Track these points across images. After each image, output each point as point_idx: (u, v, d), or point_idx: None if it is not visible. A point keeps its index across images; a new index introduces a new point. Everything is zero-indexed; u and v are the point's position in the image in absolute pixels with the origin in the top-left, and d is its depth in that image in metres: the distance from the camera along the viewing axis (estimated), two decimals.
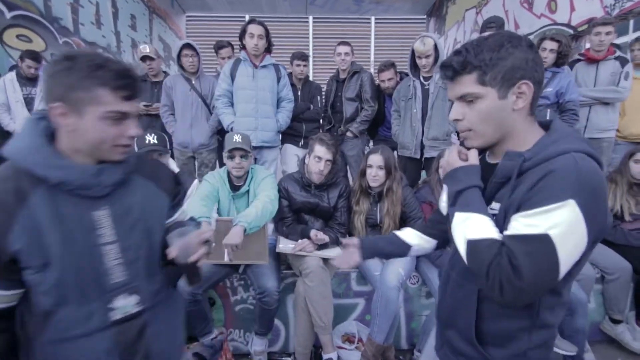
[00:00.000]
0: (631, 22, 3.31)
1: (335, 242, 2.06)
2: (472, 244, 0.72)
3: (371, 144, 3.39)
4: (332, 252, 1.98)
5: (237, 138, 1.90)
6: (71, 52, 0.74)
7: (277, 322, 2.07)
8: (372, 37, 7.79)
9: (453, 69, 0.73)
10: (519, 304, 0.71)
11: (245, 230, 1.66)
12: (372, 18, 7.64)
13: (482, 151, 0.87)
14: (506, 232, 0.70)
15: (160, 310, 0.92)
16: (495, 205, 0.76)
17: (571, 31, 3.56)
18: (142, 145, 1.86)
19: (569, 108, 2.57)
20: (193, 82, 2.81)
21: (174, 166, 2.06)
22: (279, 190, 2.06)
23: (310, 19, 7.64)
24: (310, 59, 7.72)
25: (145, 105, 2.95)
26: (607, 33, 2.57)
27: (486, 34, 0.75)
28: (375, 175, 1.95)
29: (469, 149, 0.82)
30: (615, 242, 2.17)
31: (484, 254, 0.69)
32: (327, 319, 1.82)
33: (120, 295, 0.83)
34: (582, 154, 0.67)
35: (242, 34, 2.57)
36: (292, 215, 2.12)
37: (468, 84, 0.73)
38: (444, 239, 1.07)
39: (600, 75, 2.67)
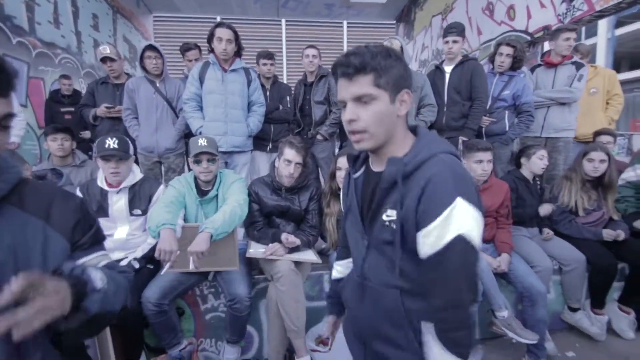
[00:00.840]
0: (583, 29, 3.56)
1: (307, 245, 2.06)
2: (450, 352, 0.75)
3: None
4: (304, 255, 1.97)
5: (202, 142, 1.85)
6: None
7: (250, 328, 2.03)
8: (344, 41, 7.89)
9: (354, 66, 0.75)
10: (474, 287, 0.78)
11: (211, 236, 1.61)
12: (344, 22, 7.74)
13: (364, 161, 0.93)
14: (425, 251, 0.74)
15: None
16: (392, 212, 0.79)
17: (528, 37, 3.77)
18: (102, 149, 1.77)
19: (525, 110, 2.73)
20: (157, 84, 2.72)
21: (137, 172, 1.97)
22: (250, 195, 2.03)
23: (283, 21, 7.63)
24: (284, 62, 7.77)
25: (107, 107, 2.82)
26: (573, 38, 2.76)
27: (370, 44, 0.78)
28: (344, 177, 1.96)
29: (355, 159, 0.93)
30: (571, 236, 2.31)
31: (462, 337, 0.75)
32: (300, 323, 1.80)
33: None
34: (447, 154, 0.77)
35: (210, 37, 2.50)
36: (263, 219, 2.09)
37: (365, 84, 0.75)
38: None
39: (557, 79, 2.85)
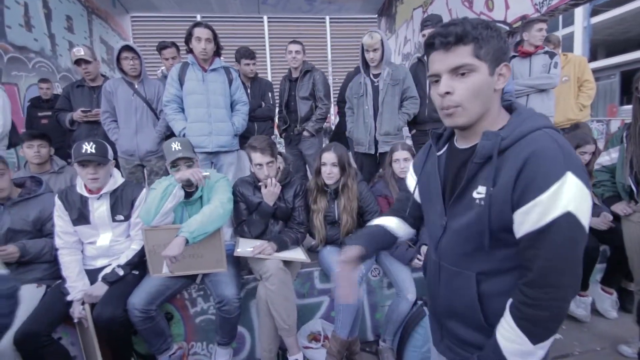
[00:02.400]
0: (560, 18, 3.63)
1: (296, 243, 2.05)
2: (526, 336, 0.71)
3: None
4: (293, 254, 1.96)
5: (176, 146, 1.79)
6: None
7: (241, 329, 2.02)
8: (327, 36, 7.86)
9: (455, 35, 0.72)
10: (579, 274, 0.71)
11: (187, 241, 1.57)
12: (327, 18, 7.72)
13: (448, 139, 0.90)
14: (524, 229, 0.70)
15: None
16: (482, 189, 0.75)
17: (507, 27, 3.82)
18: (78, 155, 1.70)
19: (506, 99, 2.77)
20: (136, 86, 2.65)
21: (118, 177, 1.92)
22: (235, 195, 2.00)
23: (265, 18, 7.56)
24: (268, 59, 7.69)
25: (83, 111, 2.74)
26: (545, 29, 2.87)
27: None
28: (329, 173, 1.95)
29: (439, 137, 0.90)
30: None
31: (536, 317, 0.70)
32: (291, 321, 1.80)
33: None
34: (550, 129, 0.72)
35: (188, 38, 2.45)
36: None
37: (464, 54, 0.73)
38: (419, 226, 1.10)
39: (533, 67, 2.93)
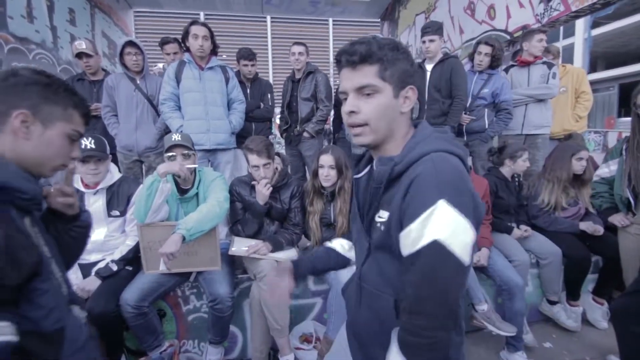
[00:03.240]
0: (561, 29, 3.67)
1: (291, 244, 2.05)
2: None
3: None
4: (287, 255, 1.96)
5: (175, 137, 1.81)
6: (43, 70, 0.80)
7: (234, 328, 2.01)
8: (330, 38, 7.88)
9: (360, 55, 0.71)
10: (443, 309, 0.67)
11: (184, 238, 1.57)
12: (330, 20, 7.73)
13: (369, 162, 0.89)
14: (403, 252, 0.70)
15: None
16: (384, 214, 0.75)
17: (508, 37, 3.85)
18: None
19: (504, 107, 2.81)
20: (138, 81, 2.66)
21: (115, 172, 1.92)
22: (232, 194, 2.00)
23: (269, 18, 7.56)
24: (270, 59, 7.70)
25: None
26: (545, 40, 2.91)
27: (370, 34, 0.77)
28: (327, 175, 1.96)
29: (359, 159, 0.88)
30: (549, 229, 2.38)
31: (415, 345, 0.68)
32: (283, 322, 1.80)
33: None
34: (440, 153, 0.71)
35: (185, 36, 2.47)
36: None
37: (370, 75, 0.72)
38: None
39: (532, 77, 2.96)
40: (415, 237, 0.66)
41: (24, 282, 0.68)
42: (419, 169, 0.69)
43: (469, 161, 2.13)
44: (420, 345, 0.67)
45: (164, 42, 3.13)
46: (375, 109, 0.73)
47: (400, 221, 0.70)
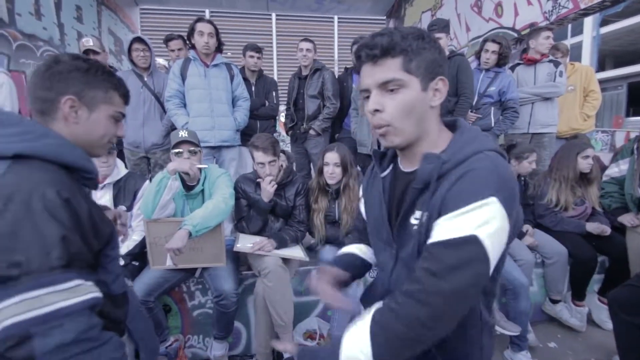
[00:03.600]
0: (569, 27, 3.63)
1: (295, 241, 2.06)
2: (371, 347, 0.62)
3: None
4: (292, 252, 1.97)
5: (182, 133, 1.83)
6: (79, 55, 0.84)
7: (238, 324, 2.03)
8: (335, 36, 7.85)
9: (381, 47, 0.65)
10: (460, 310, 0.62)
11: (190, 234, 1.59)
12: (335, 17, 7.70)
13: (392, 159, 0.82)
14: (429, 241, 0.64)
15: None
16: (418, 214, 0.69)
17: (515, 34, 3.82)
18: None
19: (510, 106, 2.79)
20: (145, 78, 2.67)
21: (122, 167, 1.94)
22: (237, 191, 2.01)
23: (274, 16, 7.55)
24: (274, 57, 7.69)
25: None
26: (552, 37, 2.87)
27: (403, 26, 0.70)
28: (332, 173, 1.96)
29: (382, 156, 0.81)
30: (554, 229, 2.36)
31: (380, 333, 0.62)
32: (287, 318, 1.81)
33: None
34: (494, 153, 0.66)
35: (191, 33, 2.49)
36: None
37: (393, 68, 0.66)
38: None
39: (538, 75, 2.93)
40: (453, 225, 0.60)
41: (101, 248, 0.80)
42: (475, 164, 0.63)
43: None
44: (399, 333, 0.60)
45: (168, 39, 3.14)
46: (401, 105, 0.67)
47: (439, 213, 0.63)
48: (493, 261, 0.60)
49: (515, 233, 0.67)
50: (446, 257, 0.59)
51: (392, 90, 0.67)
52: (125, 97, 0.91)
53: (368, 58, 0.68)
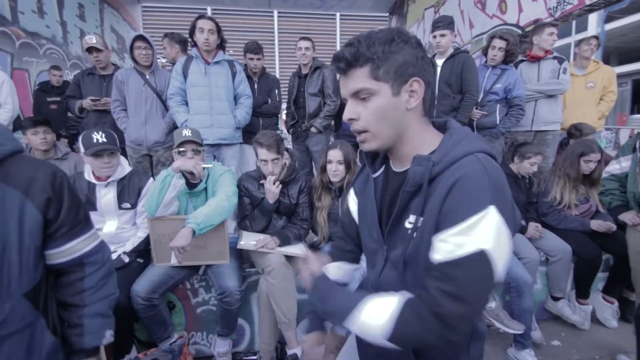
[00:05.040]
0: (574, 23, 3.59)
1: (298, 239, 2.06)
2: (393, 328, 0.63)
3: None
4: (295, 250, 1.97)
5: (186, 132, 1.82)
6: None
7: (241, 321, 2.04)
8: (337, 33, 7.82)
9: (346, 60, 0.67)
10: (467, 327, 0.66)
11: (194, 232, 1.59)
12: (337, 14, 7.67)
13: (384, 160, 0.82)
14: (437, 258, 0.64)
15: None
16: (413, 218, 0.69)
17: (520, 31, 3.79)
18: (89, 144, 1.72)
19: (516, 103, 2.76)
20: (147, 76, 2.67)
21: (126, 165, 1.94)
22: (240, 189, 2.01)
23: (275, 13, 7.52)
24: (276, 54, 7.68)
25: (92, 100, 2.76)
26: (556, 33, 2.82)
27: (377, 28, 0.69)
28: (335, 170, 1.96)
29: (374, 157, 0.82)
30: (559, 227, 2.35)
31: (409, 321, 0.63)
32: (291, 315, 1.82)
33: None
34: (483, 154, 0.66)
35: (192, 30, 2.49)
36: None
37: (361, 78, 0.67)
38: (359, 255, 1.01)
39: (542, 72, 2.89)
40: (458, 242, 0.61)
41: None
42: (466, 169, 0.63)
43: None
44: (416, 335, 0.63)
45: (169, 37, 3.18)
46: (374, 113, 0.68)
47: (437, 224, 0.64)
48: (502, 268, 0.62)
49: (516, 230, 0.67)
50: (457, 275, 0.61)
51: (364, 99, 0.69)
52: None
53: (338, 70, 0.70)
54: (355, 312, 0.67)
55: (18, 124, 2.79)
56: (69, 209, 0.85)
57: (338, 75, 0.75)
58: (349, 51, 0.67)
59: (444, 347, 0.74)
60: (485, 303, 0.64)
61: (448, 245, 0.62)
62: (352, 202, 0.94)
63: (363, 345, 0.89)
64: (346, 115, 0.71)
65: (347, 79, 0.70)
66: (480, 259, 0.60)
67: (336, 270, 0.96)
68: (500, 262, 0.61)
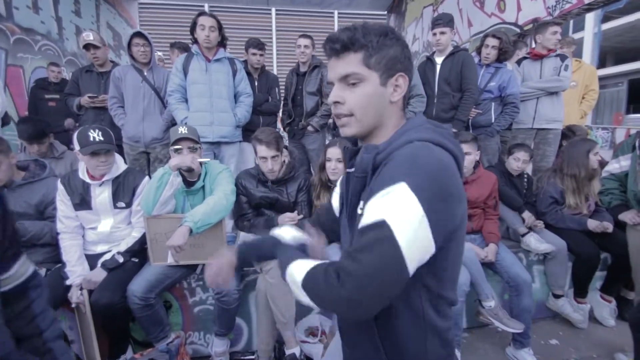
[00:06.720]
0: (571, 22, 3.61)
1: None
2: (305, 280, 0.66)
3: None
4: None
5: (182, 130, 1.80)
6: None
7: (239, 321, 2.02)
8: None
9: (342, 42, 0.68)
10: (357, 288, 0.59)
11: (191, 230, 1.57)
12: (335, 12, 7.64)
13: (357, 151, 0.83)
14: (359, 226, 0.65)
15: None
16: (361, 204, 0.70)
17: (518, 30, 3.79)
18: (85, 143, 1.68)
19: (510, 101, 2.77)
20: (145, 73, 2.64)
21: (121, 163, 1.91)
22: (237, 187, 1.99)
23: (273, 11, 7.48)
24: (274, 52, 7.64)
25: (90, 97, 2.73)
26: (560, 32, 2.82)
27: (371, 21, 0.72)
28: (334, 168, 1.94)
29: (354, 153, 0.81)
30: (556, 226, 2.35)
31: (314, 276, 0.65)
32: (289, 315, 1.80)
33: None
34: (425, 143, 0.66)
35: (193, 27, 2.46)
36: (253, 211, 2.07)
37: (354, 63, 0.69)
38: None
39: (544, 70, 2.89)
40: (368, 212, 0.62)
41: None
42: (396, 153, 0.65)
43: (477, 156, 2.12)
44: (319, 287, 0.63)
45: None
46: (360, 98, 0.70)
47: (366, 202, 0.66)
48: (408, 247, 0.58)
49: (453, 224, 0.64)
50: (359, 241, 0.61)
51: (352, 84, 0.70)
52: None
53: (332, 52, 0.71)
54: (290, 265, 0.72)
55: (7, 120, 2.76)
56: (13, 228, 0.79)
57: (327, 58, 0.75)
58: (346, 34, 0.69)
59: (386, 333, 0.74)
60: (382, 273, 0.58)
61: (363, 216, 0.64)
62: (335, 195, 0.97)
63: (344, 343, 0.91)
64: (331, 99, 0.73)
65: (339, 62, 0.71)
66: (380, 226, 0.59)
67: (288, 233, 0.96)
68: (406, 242, 0.58)
